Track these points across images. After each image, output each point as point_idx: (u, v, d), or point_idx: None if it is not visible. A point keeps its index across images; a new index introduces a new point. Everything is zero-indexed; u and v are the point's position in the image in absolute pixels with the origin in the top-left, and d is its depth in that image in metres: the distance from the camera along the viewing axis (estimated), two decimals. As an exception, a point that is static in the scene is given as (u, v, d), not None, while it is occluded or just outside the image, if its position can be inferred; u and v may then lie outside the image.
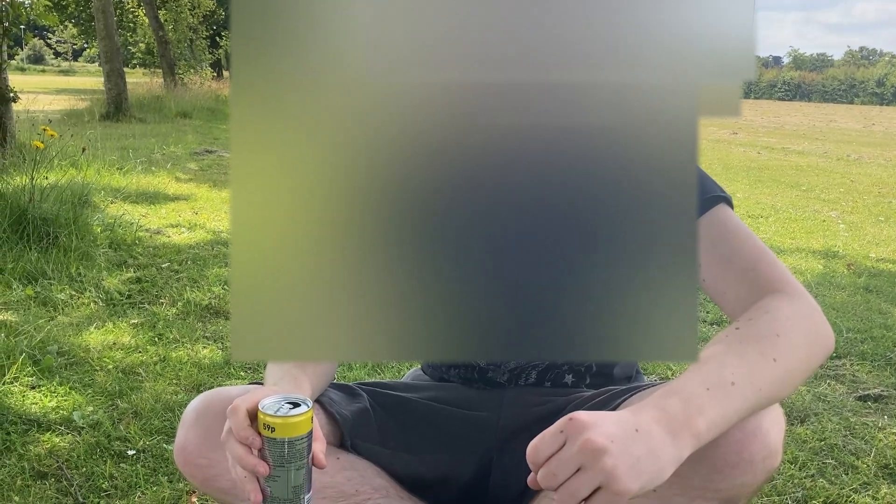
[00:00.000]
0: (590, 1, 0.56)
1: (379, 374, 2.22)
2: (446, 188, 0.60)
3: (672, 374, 2.32)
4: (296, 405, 0.90)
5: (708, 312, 2.97)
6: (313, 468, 0.92)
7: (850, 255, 4.31)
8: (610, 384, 1.22)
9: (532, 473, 0.76)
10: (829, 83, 54.37)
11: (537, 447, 0.76)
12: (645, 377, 1.34)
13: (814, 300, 0.93)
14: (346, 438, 1.14)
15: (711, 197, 1.02)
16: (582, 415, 0.75)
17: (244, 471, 0.89)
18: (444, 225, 0.61)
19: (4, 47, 5.32)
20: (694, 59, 0.58)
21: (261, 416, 0.89)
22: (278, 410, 0.89)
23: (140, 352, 2.30)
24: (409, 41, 0.56)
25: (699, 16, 0.58)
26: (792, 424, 2.00)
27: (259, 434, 0.89)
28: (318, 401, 1.14)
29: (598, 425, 0.74)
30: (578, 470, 0.72)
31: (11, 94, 5.33)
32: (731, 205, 1.03)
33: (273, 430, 0.88)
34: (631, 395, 1.05)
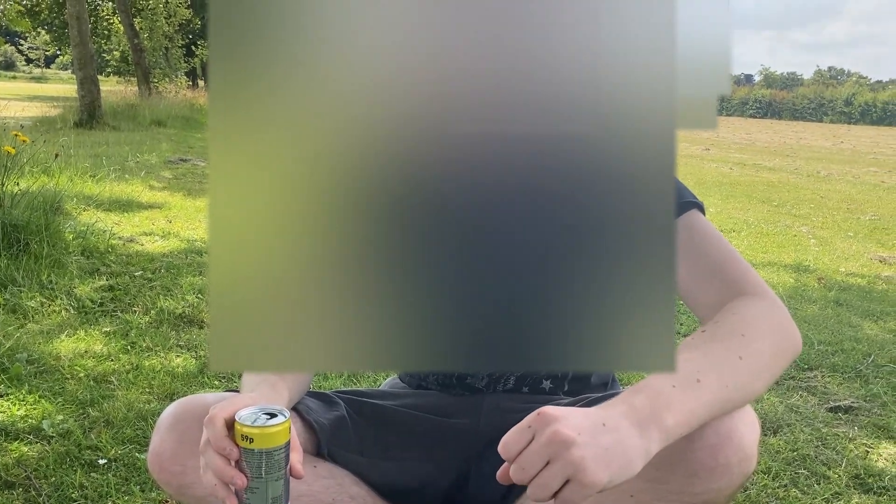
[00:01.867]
0: (568, 12, 0.57)
1: (355, 383, 2.21)
2: (423, 198, 0.60)
3: (647, 385, 2.33)
4: (273, 416, 0.89)
5: (681, 325, 2.99)
6: (291, 479, 0.91)
7: (820, 269, 4.37)
8: (587, 390, 1.22)
9: (503, 467, 0.77)
10: (799, 101, 55.27)
11: (507, 443, 0.77)
12: (620, 385, 1.35)
13: (781, 302, 0.94)
14: (323, 447, 1.13)
15: (684, 202, 1.03)
16: (550, 409, 0.76)
17: (216, 479, 0.88)
18: (421, 235, 0.61)
19: (-25, 52, 5.25)
20: (671, 69, 0.59)
21: (238, 427, 0.88)
22: (255, 421, 0.88)
23: (112, 360, 2.27)
24: (387, 50, 0.57)
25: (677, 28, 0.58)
26: (765, 435, 2.02)
27: (237, 445, 0.88)
28: (295, 409, 1.13)
29: (566, 418, 0.75)
30: (548, 463, 0.73)
31: (-18, 100, 5.26)
32: (703, 211, 1.05)
33: (251, 440, 0.87)
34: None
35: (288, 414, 0.90)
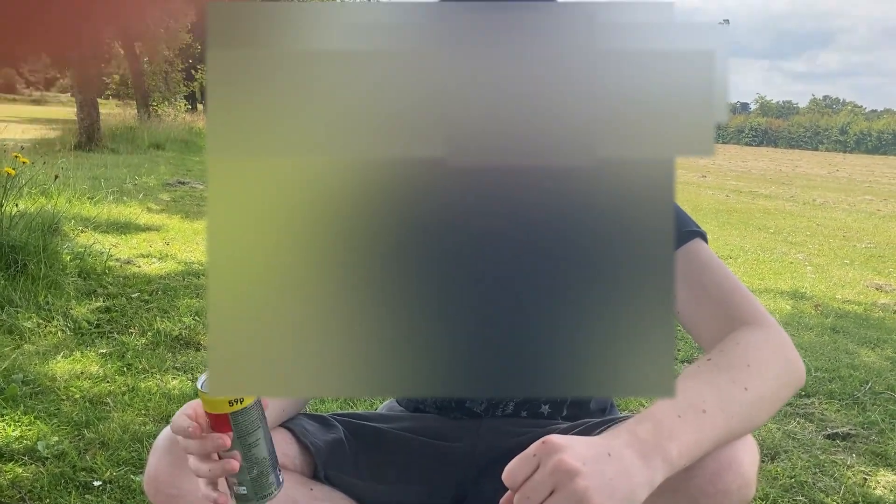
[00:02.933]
0: (568, 56, 0.58)
1: (352, 406, 2.20)
2: (422, 225, 0.61)
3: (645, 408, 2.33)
4: None
5: (679, 350, 2.99)
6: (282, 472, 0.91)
7: (817, 296, 4.38)
8: (586, 415, 1.22)
9: (507, 495, 0.77)
10: (794, 130, 55.65)
11: (512, 471, 0.76)
12: (618, 410, 1.35)
13: (784, 332, 0.95)
14: (319, 469, 1.12)
15: (687, 231, 1.04)
16: (555, 438, 0.76)
17: (207, 480, 0.88)
18: (420, 261, 0.62)
19: (-24, 74, 5.28)
20: (669, 98, 0.59)
21: (202, 396, 0.87)
22: None
23: (108, 381, 2.26)
24: (390, 78, 0.57)
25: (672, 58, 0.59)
26: (763, 461, 2.02)
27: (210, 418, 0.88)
28: (291, 431, 1.13)
29: (571, 447, 0.75)
30: (552, 492, 0.73)
31: (-19, 121, 5.28)
32: (705, 239, 1.06)
33: (234, 403, 0.87)
34: (606, 428, 1.05)
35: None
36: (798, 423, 2.33)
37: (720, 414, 0.82)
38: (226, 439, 0.87)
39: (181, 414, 0.90)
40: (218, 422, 0.87)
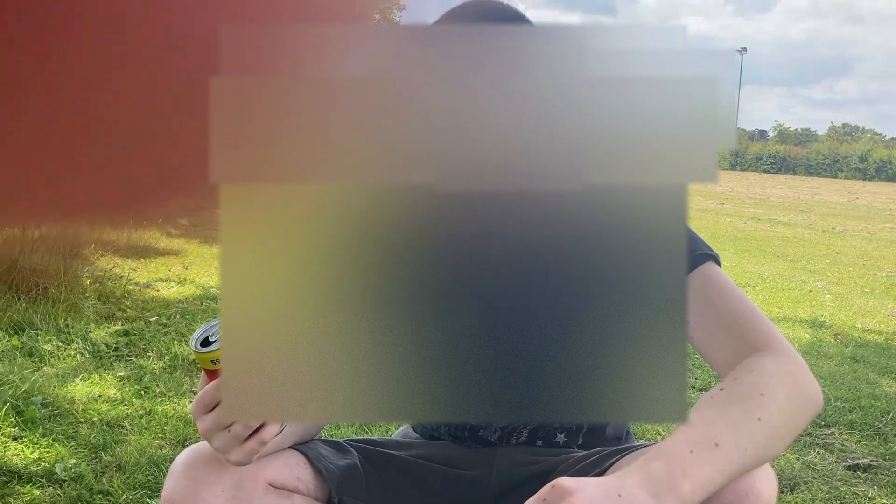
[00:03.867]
0: (574, 72, 0.58)
1: (367, 432, 2.20)
2: (434, 250, 0.62)
3: (661, 437, 2.31)
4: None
5: (696, 379, 2.97)
6: None
7: (836, 325, 4.34)
8: (602, 443, 1.21)
9: None
10: (813, 157, 55.46)
11: None
12: (634, 437, 1.34)
13: (800, 357, 0.94)
14: (333, 494, 1.12)
15: (700, 255, 1.03)
16: (564, 481, 0.75)
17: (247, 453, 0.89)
18: (433, 286, 0.62)
19: None
20: (670, 124, 0.60)
21: (201, 356, 0.86)
22: (210, 338, 0.87)
23: (126, 405, 2.28)
24: (399, 107, 0.58)
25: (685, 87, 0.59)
26: (782, 492, 1.99)
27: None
28: (306, 455, 1.13)
29: (581, 491, 0.74)
30: None
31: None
32: (718, 263, 1.05)
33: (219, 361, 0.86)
34: (622, 457, 1.05)
35: None
36: (818, 453, 2.30)
37: (734, 447, 0.81)
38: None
39: (204, 417, 0.89)
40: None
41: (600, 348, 0.62)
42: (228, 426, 0.88)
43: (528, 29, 0.65)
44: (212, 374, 0.87)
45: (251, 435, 0.90)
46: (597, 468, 1.06)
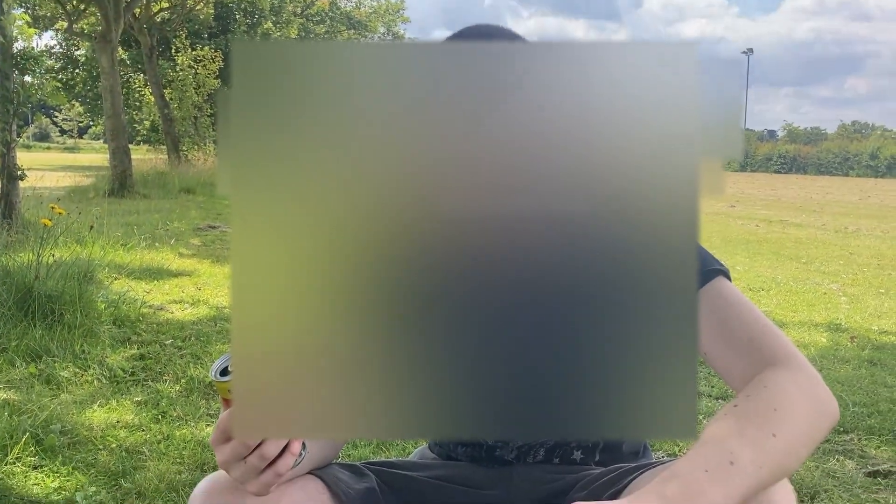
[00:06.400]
0: (586, 90, 0.59)
1: (384, 451, 2.20)
2: (448, 267, 0.62)
3: (679, 450, 2.30)
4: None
5: (713, 387, 2.96)
6: None
7: (852, 327, 4.31)
8: (620, 459, 1.21)
9: None
10: (823, 156, 55.08)
11: None
12: (652, 451, 1.34)
13: (814, 370, 0.93)
14: (352, 519, 1.13)
15: (709, 270, 1.03)
16: None
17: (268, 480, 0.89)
18: (447, 303, 0.62)
19: (14, 126, 5.43)
20: (690, 134, 0.60)
21: (220, 385, 0.87)
22: (229, 367, 0.87)
23: (143, 430, 2.29)
24: (410, 124, 0.58)
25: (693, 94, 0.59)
26: (801, 501, 1.98)
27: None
28: (323, 480, 1.14)
29: None
30: None
31: (19, 172, 5.42)
32: (728, 277, 1.05)
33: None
34: (641, 473, 1.05)
35: None
36: (837, 460, 2.28)
37: (749, 465, 0.81)
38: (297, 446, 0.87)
39: (222, 447, 0.89)
40: None
41: (612, 367, 0.63)
42: (245, 457, 0.89)
43: (535, 46, 0.64)
44: (230, 404, 0.88)
45: (268, 466, 0.91)
46: (615, 485, 1.06)
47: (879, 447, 2.41)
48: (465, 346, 0.61)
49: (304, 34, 27.19)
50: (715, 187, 0.60)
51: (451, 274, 0.61)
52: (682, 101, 0.60)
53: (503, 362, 0.62)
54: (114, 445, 2.15)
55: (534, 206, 0.60)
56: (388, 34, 34.43)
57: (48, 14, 17.62)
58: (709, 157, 0.61)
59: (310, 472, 1.14)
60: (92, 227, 5.00)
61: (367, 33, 32.29)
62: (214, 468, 1.16)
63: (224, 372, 0.89)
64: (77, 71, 25.08)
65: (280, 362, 0.61)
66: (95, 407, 2.45)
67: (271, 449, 0.88)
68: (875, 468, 2.22)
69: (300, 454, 0.93)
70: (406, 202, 0.59)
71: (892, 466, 2.23)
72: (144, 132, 25.01)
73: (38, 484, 1.89)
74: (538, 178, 0.60)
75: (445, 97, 0.58)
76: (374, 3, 33.39)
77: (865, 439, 2.47)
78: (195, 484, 1.07)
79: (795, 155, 56.90)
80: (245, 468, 0.90)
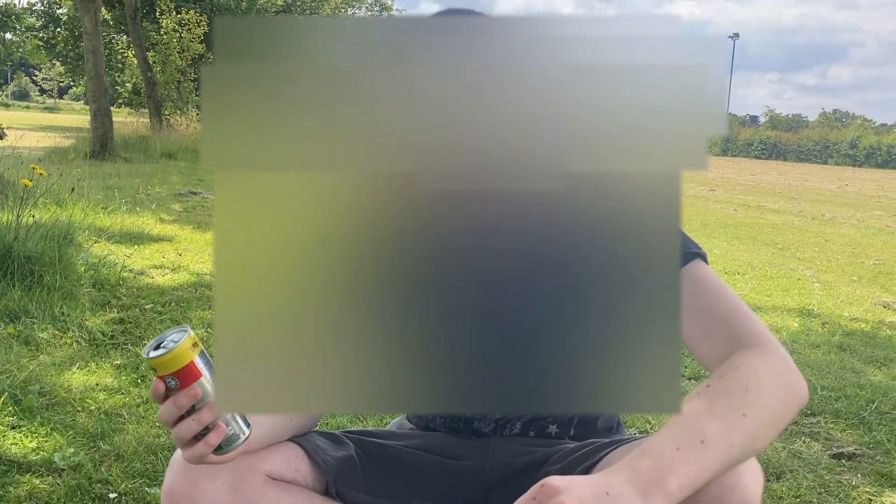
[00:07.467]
0: (568, 64, 0.59)
1: (362, 422, 2.23)
2: (430, 243, 0.62)
3: (651, 427, 2.35)
4: (164, 342, 0.91)
5: (686, 367, 3.01)
6: None
7: (824, 313, 4.38)
8: (594, 435, 1.24)
9: None
10: (804, 143, 55.39)
11: None
12: (625, 426, 1.37)
13: (786, 352, 0.96)
14: (330, 485, 1.15)
15: (688, 253, 1.06)
16: (554, 480, 0.78)
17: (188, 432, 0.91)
18: (427, 278, 0.63)
19: (-6, 85, 5.35)
20: (660, 112, 0.60)
21: (158, 360, 0.89)
22: (161, 346, 0.90)
23: (123, 393, 2.30)
24: (396, 99, 0.59)
25: (677, 72, 0.60)
26: (768, 480, 2.03)
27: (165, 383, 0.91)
28: (303, 447, 1.16)
29: (570, 490, 0.76)
30: None
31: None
32: (706, 260, 1.07)
33: (156, 369, 0.89)
34: (614, 449, 1.07)
35: (187, 329, 0.92)
36: (804, 442, 2.34)
37: (720, 443, 0.84)
38: (196, 389, 0.90)
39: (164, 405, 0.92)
40: (183, 375, 0.90)
41: (594, 341, 0.64)
42: (182, 416, 0.91)
43: (513, 19, 0.65)
44: (180, 376, 0.91)
45: (197, 438, 0.93)
46: (589, 460, 1.09)
47: (845, 430, 2.47)
48: (447, 321, 0.62)
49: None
50: (698, 161, 0.60)
51: (433, 250, 0.62)
52: (666, 75, 0.60)
53: (486, 338, 0.63)
54: (93, 408, 2.16)
55: (516, 184, 0.61)
56: (376, 4, 34.05)
57: (30, -30, 17.24)
58: (692, 132, 0.60)
59: (290, 440, 1.16)
60: (73, 189, 4.96)
61: (355, 3, 31.91)
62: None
63: (157, 347, 0.91)
64: (59, 30, 24.61)
65: (261, 338, 0.61)
66: (74, 369, 2.45)
67: (206, 416, 0.90)
68: (840, 450, 2.28)
69: (244, 432, 0.96)
70: (388, 177, 0.60)
71: (856, 449, 2.29)
72: (126, 95, 24.65)
73: (16, 444, 1.90)
74: (521, 155, 0.61)
75: (427, 72, 0.58)
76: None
77: (832, 422, 2.53)
78: (175, 448, 1.09)
79: (776, 141, 57.19)
80: (181, 429, 0.92)
